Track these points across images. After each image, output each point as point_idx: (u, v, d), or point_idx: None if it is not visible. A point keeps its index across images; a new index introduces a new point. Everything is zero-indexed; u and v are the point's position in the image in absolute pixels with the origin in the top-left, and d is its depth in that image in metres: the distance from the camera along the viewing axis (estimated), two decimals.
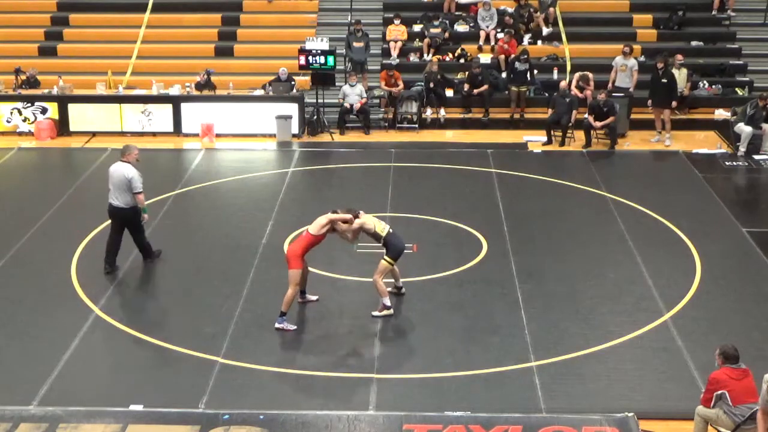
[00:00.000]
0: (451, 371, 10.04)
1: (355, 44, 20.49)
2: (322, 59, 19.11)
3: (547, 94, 20.19)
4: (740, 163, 17.61)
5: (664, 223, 14.32)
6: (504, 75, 20.93)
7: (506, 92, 20.64)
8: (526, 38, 21.72)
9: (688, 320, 11.23)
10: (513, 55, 20.58)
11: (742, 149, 17.91)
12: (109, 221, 12.62)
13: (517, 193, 15.82)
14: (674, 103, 18.68)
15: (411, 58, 21.64)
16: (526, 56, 20.07)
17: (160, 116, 19.31)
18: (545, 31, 22.02)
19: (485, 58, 21.16)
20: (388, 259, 11.26)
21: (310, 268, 11.64)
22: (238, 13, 23.11)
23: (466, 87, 20.22)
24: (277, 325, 10.93)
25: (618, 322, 11.15)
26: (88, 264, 12.80)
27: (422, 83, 20.22)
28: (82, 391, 9.67)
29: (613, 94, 18.87)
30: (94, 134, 19.34)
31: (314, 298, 11.65)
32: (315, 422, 8.74)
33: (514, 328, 11.01)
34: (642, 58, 20.83)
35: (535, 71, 20.49)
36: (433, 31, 21.80)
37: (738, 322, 11.21)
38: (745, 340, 10.27)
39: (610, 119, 18.18)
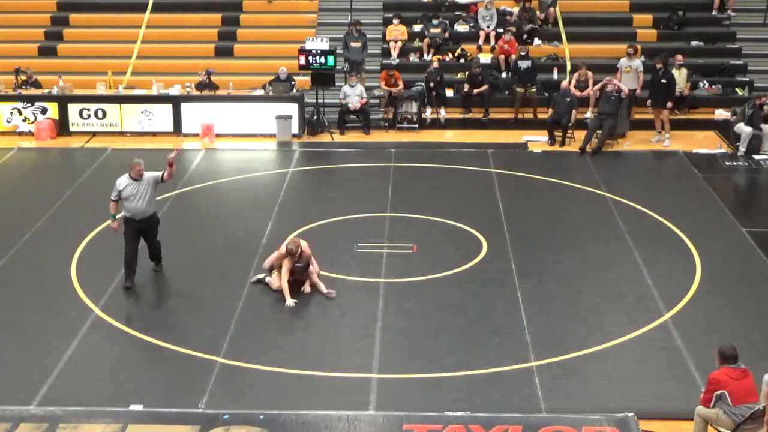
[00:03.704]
0: (451, 371, 10.04)
1: (353, 44, 20.48)
2: (322, 59, 19.11)
3: (547, 94, 20.20)
4: (740, 163, 17.60)
5: (664, 223, 14.33)
6: (504, 75, 20.97)
7: (506, 92, 20.69)
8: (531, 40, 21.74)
9: (688, 320, 11.23)
10: (515, 56, 20.64)
11: (742, 149, 17.91)
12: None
13: (517, 193, 15.81)
14: (669, 104, 18.64)
15: (411, 58, 21.64)
16: (526, 52, 20.13)
17: (160, 116, 19.31)
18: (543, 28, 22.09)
19: (485, 58, 21.17)
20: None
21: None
22: (238, 13, 23.11)
23: (466, 87, 20.23)
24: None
25: (618, 322, 11.16)
26: (88, 264, 12.80)
27: (422, 83, 20.21)
28: (82, 391, 9.67)
29: (616, 94, 18.84)
30: (94, 134, 19.34)
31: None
32: (315, 422, 8.74)
33: (514, 328, 11.01)
34: (642, 58, 20.81)
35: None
36: (433, 31, 21.81)
37: (738, 322, 11.20)
38: (745, 340, 10.27)
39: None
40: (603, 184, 16.09)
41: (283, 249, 11.85)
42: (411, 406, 9.25)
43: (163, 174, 11.98)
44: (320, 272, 12.21)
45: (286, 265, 11.68)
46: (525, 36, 21.56)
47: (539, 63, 21.00)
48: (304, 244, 11.96)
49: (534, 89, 20.16)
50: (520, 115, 20.21)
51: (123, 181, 11.89)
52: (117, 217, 12.12)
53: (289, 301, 11.55)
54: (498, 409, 9.11)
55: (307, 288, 11.90)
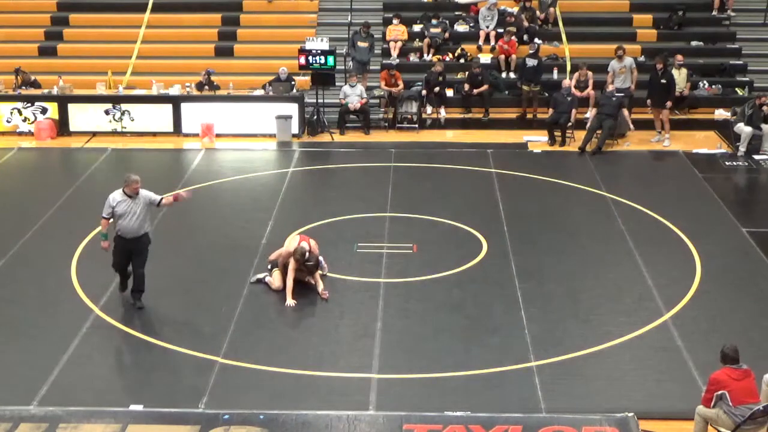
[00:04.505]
0: (451, 371, 10.04)
1: (360, 44, 20.48)
2: (322, 59, 19.11)
3: (547, 94, 20.21)
4: (740, 163, 17.60)
5: (664, 223, 14.33)
6: (504, 75, 20.99)
7: (506, 92, 20.70)
8: (531, 38, 21.74)
9: (688, 320, 11.23)
10: (515, 55, 20.66)
11: (742, 149, 17.91)
12: None
13: (517, 193, 15.81)
14: (669, 103, 18.63)
15: (411, 58, 21.65)
16: (534, 50, 20.20)
17: (160, 116, 19.30)
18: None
19: (485, 58, 21.18)
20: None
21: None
22: (238, 13, 23.11)
23: (466, 87, 20.24)
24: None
25: (618, 322, 11.15)
26: (88, 264, 12.80)
27: (421, 84, 20.21)
28: (82, 391, 9.67)
29: (617, 94, 18.85)
30: (94, 134, 19.34)
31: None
32: (315, 422, 8.74)
33: (514, 328, 11.01)
34: (642, 58, 20.83)
35: None
36: (433, 31, 21.81)
37: (738, 321, 11.21)
38: (745, 340, 10.24)
39: (625, 113, 18.22)
40: (603, 184, 16.09)
41: (291, 249, 11.83)
42: (411, 406, 9.25)
43: (161, 200, 11.30)
44: (327, 273, 12.25)
45: (292, 264, 11.68)
46: (525, 36, 21.56)
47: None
48: (313, 243, 12.03)
49: (537, 88, 20.17)
50: (528, 116, 20.19)
51: (116, 198, 11.12)
52: (108, 236, 11.37)
53: (290, 301, 11.55)
54: (498, 409, 9.11)
55: (311, 280, 11.92)
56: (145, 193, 11.21)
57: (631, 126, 18.42)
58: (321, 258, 12.25)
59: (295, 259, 11.65)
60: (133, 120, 19.24)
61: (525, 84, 20.18)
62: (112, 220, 11.27)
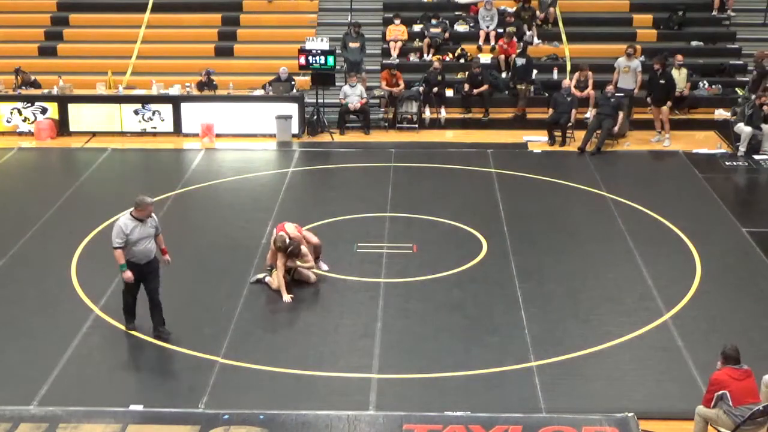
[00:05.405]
0: (451, 371, 10.04)
1: (351, 44, 20.49)
2: (322, 59, 19.11)
3: (547, 94, 20.21)
4: (740, 163, 17.60)
5: (664, 223, 14.33)
6: (504, 75, 20.99)
7: (506, 92, 20.71)
8: (534, 37, 21.75)
9: (688, 320, 11.23)
10: (514, 55, 20.70)
11: (742, 149, 17.91)
12: None
13: (517, 193, 15.81)
14: (669, 103, 18.59)
15: (411, 58, 21.66)
16: (521, 49, 20.21)
17: (160, 116, 19.30)
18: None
19: (485, 58, 21.18)
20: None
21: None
22: (238, 13, 23.12)
23: (466, 87, 20.25)
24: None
25: (618, 322, 11.15)
26: (88, 264, 12.80)
27: (419, 83, 20.20)
28: (82, 391, 9.67)
29: (617, 94, 18.84)
30: (94, 134, 19.34)
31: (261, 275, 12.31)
32: (315, 422, 8.75)
33: (514, 328, 11.01)
34: (642, 58, 20.82)
35: (535, 71, 20.53)
36: (433, 31, 21.82)
37: (738, 322, 11.21)
38: (745, 340, 10.24)
39: (621, 118, 18.18)
40: (603, 184, 16.09)
41: (272, 246, 11.94)
42: (411, 406, 9.26)
43: (159, 235, 10.81)
44: (320, 269, 12.23)
45: (280, 260, 11.74)
46: (523, 35, 21.57)
47: (539, 63, 21.01)
48: (290, 228, 12.14)
49: (526, 86, 20.13)
50: (519, 114, 20.22)
51: (128, 224, 10.39)
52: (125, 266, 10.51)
53: (286, 297, 11.59)
54: (498, 409, 9.12)
55: (310, 276, 12.04)
56: (153, 216, 10.75)
57: (615, 129, 18.20)
58: (321, 261, 12.27)
59: (278, 249, 11.72)
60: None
61: (518, 83, 20.18)
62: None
